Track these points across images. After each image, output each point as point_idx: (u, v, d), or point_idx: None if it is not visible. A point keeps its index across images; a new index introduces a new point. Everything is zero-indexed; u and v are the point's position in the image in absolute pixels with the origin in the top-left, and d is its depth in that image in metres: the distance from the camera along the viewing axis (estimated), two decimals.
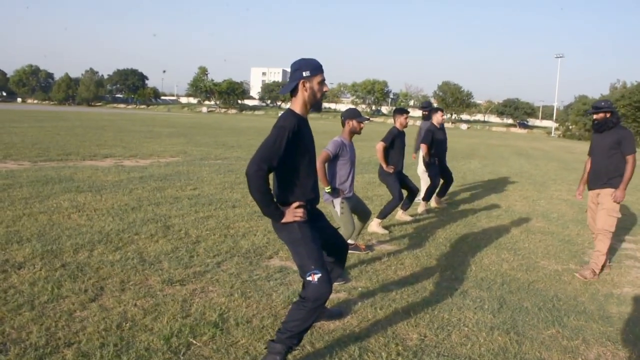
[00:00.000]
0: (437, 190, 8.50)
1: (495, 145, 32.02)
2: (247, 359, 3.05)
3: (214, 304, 3.85)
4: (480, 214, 8.12)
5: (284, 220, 2.94)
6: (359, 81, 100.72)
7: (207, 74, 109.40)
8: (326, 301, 2.93)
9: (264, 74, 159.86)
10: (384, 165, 6.64)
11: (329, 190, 5.04)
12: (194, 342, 3.23)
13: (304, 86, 2.96)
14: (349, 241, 5.26)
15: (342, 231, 5.07)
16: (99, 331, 3.27)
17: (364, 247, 5.61)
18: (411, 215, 7.64)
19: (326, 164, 5.07)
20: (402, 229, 6.74)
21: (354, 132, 5.23)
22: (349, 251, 5.00)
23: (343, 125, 5.23)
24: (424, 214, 7.92)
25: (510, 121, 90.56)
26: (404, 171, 6.99)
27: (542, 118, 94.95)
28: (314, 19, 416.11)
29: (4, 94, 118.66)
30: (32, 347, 3.02)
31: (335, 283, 4.45)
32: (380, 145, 6.64)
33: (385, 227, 6.62)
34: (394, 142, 6.70)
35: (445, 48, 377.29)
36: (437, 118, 8.50)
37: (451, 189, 10.76)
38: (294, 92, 3.00)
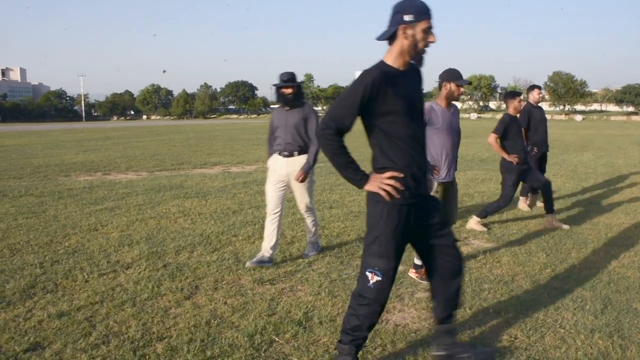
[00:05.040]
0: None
1: (612, 135, 29.50)
2: (326, 358, 3.07)
3: (300, 303, 3.91)
4: (590, 208, 7.52)
5: (367, 188, 2.56)
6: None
7: (312, 81, 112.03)
8: (379, 301, 2.68)
9: None
10: (505, 156, 6.27)
11: None
12: (276, 339, 3.31)
13: (404, 33, 2.49)
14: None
15: None
16: (189, 327, 3.46)
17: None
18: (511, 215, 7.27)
19: None
20: (502, 226, 6.43)
21: (451, 97, 4.51)
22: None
23: (440, 88, 4.51)
24: (525, 208, 7.49)
25: (631, 109, 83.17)
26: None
27: None
28: None
29: (132, 112, 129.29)
30: (129, 340, 3.26)
31: (424, 282, 4.35)
32: (492, 138, 6.30)
33: (484, 225, 6.34)
34: (508, 131, 6.30)
35: (555, 36, 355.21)
36: (533, 96, 7.71)
37: (561, 182, 10.11)
38: (391, 39, 2.56)
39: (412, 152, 2.61)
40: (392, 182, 2.54)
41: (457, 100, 4.71)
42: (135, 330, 3.40)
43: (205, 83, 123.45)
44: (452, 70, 4.52)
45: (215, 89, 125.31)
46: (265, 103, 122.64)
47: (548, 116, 8.30)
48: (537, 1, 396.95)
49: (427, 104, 4.48)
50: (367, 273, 2.64)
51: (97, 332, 3.38)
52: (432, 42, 2.56)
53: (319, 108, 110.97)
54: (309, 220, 5.13)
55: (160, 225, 6.47)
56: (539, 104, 7.91)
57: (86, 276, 4.51)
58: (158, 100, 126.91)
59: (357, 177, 2.57)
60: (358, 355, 2.86)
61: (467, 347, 3.03)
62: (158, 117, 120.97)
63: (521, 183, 7.62)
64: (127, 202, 8.03)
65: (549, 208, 6.41)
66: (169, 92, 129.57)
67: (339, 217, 6.94)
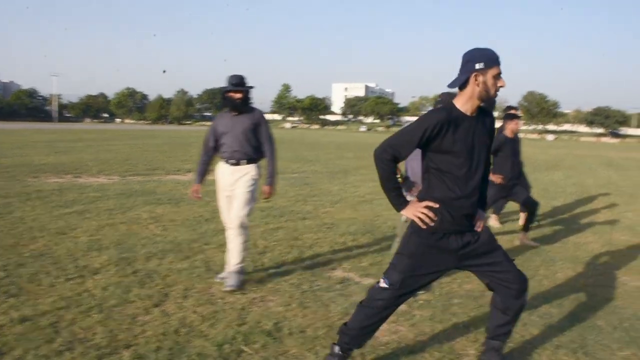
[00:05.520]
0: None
1: (582, 155, 30.33)
2: None
3: (270, 313, 3.90)
4: (558, 227, 7.69)
5: (404, 212, 2.78)
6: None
7: (290, 91, 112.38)
8: (377, 307, 2.85)
9: (346, 89, 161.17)
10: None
11: (400, 178, 4.48)
12: (246, 349, 3.29)
13: (475, 80, 2.65)
14: None
15: (395, 243, 4.72)
16: (157, 335, 3.41)
17: None
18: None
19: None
20: None
21: None
22: None
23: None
24: (496, 225, 7.62)
25: (600, 130, 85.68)
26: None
27: (637, 126, 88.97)
28: (390, 34, 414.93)
29: (106, 115, 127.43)
30: (95, 347, 3.20)
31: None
32: None
33: None
34: (499, 150, 6.38)
35: (529, 55, 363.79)
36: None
37: None
38: (463, 86, 2.73)
39: (457, 189, 2.73)
40: (425, 210, 2.72)
41: None
42: (102, 337, 3.34)
43: (182, 89, 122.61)
44: (453, 94, 4.58)
45: (192, 95, 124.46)
46: None
47: (521, 134, 8.41)
48: (515, 19, 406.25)
49: None
50: (381, 279, 2.87)
51: (62, 339, 3.31)
52: (502, 86, 2.71)
53: (296, 118, 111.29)
54: (238, 241, 4.45)
55: (131, 230, 6.38)
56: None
57: (52, 280, 4.41)
58: (133, 104, 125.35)
59: (398, 202, 2.79)
60: None
61: None
62: (132, 121, 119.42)
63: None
64: (98, 206, 7.90)
65: (527, 226, 6.54)
66: (144, 97, 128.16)
67: (312, 228, 6.95)
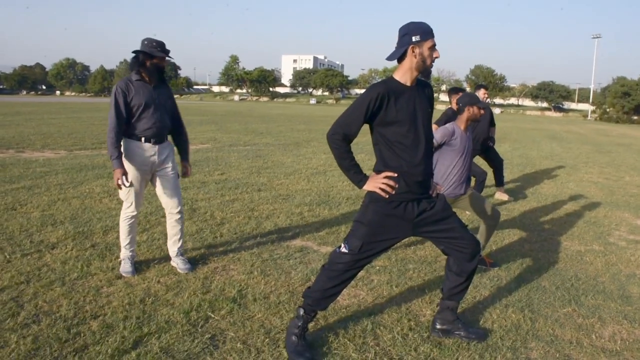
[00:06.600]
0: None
1: (528, 129, 31.48)
2: (262, 332, 3.18)
3: (233, 281, 3.99)
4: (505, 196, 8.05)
5: (365, 187, 2.86)
6: (390, 66, 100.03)
7: (238, 63, 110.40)
8: (338, 270, 2.95)
9: (294, 61, 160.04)
10: None
11: None
12: (212, 315, 3.38)
13: (413, 52, 2.78)
14: None
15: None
16: (123, 305, 3.45)
17: (490, 261, 4.71)
18: None
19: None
20: None
21: (473, 120, 4.55)
22: None
23: (461, 112, 4.52)
24: None
25: (545, 105, 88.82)
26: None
27: (579, 101, 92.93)
28: (341, 7, 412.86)
29: (44, 87, 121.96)
30: (62, 319, 3.22)
31: None
32: (433, 127, 6.50)
33: None
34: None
35: (477, 30, 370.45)
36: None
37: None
38: (401, 59, 2.85)
39: (408, 158, 2.85)
40: (386, 180, 2.83)
41: (478, 122, 5.04)
42: (67, 309, 3.35)
43: (125, 60, 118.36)
44: (472, 94, 4.65)
45: None
46: (189, 83, 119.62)
47: None
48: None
49: (449, 127, 4.46)
50: (342, 244, 2.98)
51: (26, 312, 3.30)
52: (437, 57, 2.84)
53: (244, 91, 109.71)
54: (179, 225, 4.27)
55: (85, 205, 6.28)
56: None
57: (8, 256, 4.33)
58: (73, 75, 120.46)
59: (358, 179, 2.87)
60: (308, 326, 3.07)
61: (465, 325, 3.27)
62: (73, 94, 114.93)
63: None
64: (47, 181, 7.69)
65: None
66: (85, 68, 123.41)
67: (268, 199, 7.03)
